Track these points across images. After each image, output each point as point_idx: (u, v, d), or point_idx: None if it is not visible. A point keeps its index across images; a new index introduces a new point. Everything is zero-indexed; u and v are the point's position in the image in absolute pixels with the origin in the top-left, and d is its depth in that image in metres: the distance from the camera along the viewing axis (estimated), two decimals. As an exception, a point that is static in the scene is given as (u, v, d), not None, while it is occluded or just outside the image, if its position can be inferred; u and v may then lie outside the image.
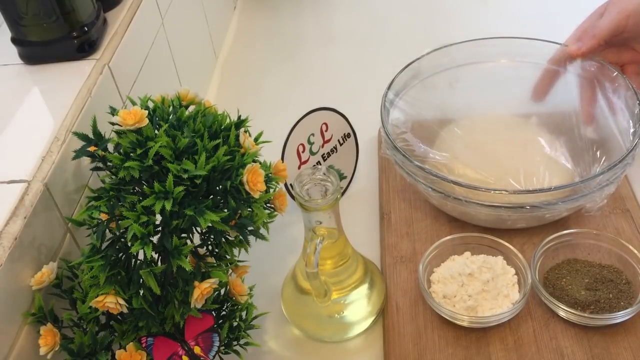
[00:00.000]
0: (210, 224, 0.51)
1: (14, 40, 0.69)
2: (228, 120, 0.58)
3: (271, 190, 0.61)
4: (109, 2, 0.76)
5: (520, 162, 0.75)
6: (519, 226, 0.72)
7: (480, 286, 0.65)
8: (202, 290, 0.51)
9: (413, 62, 0.82)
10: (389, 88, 0.78)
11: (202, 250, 0.56)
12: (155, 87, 0.79)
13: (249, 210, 0.55)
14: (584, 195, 0.67)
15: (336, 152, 0.81)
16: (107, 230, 0.52)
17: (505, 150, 0.77)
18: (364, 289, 0.67)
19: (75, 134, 0.55)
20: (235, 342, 0.59)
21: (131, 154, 0.52)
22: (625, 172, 0.70)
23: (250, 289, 0.61)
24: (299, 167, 0.77)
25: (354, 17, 1.19)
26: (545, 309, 0.65)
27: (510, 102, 0.83)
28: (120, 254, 0.52)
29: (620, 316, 0.62)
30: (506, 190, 0.67)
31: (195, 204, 0.50)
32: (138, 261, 0.52)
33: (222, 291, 0.60)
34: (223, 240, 0.56)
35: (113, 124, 0.52)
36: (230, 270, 0.59)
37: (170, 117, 0.57)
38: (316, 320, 0.67)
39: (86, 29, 0.68)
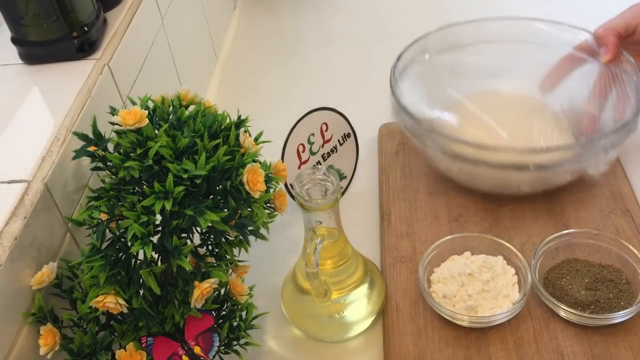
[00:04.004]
0: (210, 224, 0.51)
1: (14, 40, 0.69)
2: (228, 120, 0.58)
3: (271, 190, 0.61)
4: (109, 2, 0.76)
5: (529, 127, 0.76)
6: (523, 191, 0.73)
7: (480, 286, 0.65)
8: (202, 290, 0.51)
9: (420, 38, 0.83)
10: (398, 60, 0.80)
11: (202, 250, 0.56)
12: (155, 87, 0.79)
13: (249, 210, 0.55)
14: (587, 157, 0.68)
15: (336, 152, 0.81)
16: (107, 230, 0.52)
17: (513, 119, 0.78)
18: (364, 289, 0.67)
19: (75, 134, 0.55)
20: (235, 342, 0.59)
21: (131, 154, 0.52)
22: (627, 138, 0.71)
23: (250, 289, 0.61)
24: (299, 167, 0.77)
25: (354, 17, 1.19)
26: (545, 309, 0.65)
27: (520, 83, 0.84)
28: (120, 254, 0.52)
29: (620, 316, 0.62)
30: (513, 149, 0.68)
31: (195, 204, 0.50)
32: (138, 261, 0.52)
33: (222, 291, 0.60)
34: (223, 240, 0.56)
35: (113, 124, 0.52)
36: (230, 270, 0.59)
37: (170, 117, 0.57)
38: (316, 320, 0.67)
39: (86, 29, 0.68)
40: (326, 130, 0.78)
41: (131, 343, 0.53)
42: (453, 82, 0.83)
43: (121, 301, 0.50)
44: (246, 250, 0.58)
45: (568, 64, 0.82)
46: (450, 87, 0.82)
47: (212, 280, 0.52)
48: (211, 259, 0.55)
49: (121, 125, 0.52)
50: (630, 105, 0.73)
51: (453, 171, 0.76)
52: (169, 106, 0.59)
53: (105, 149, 0.55)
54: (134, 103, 0.58)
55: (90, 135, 0.55)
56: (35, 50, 0.68)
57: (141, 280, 0.51)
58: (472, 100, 0.81)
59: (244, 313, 0.60)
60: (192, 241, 0.54)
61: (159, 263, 0.52)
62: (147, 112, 0.53)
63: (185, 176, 0.50)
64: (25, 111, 0.64)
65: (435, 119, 0.78)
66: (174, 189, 0.49)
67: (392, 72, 0.79)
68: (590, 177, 0.72)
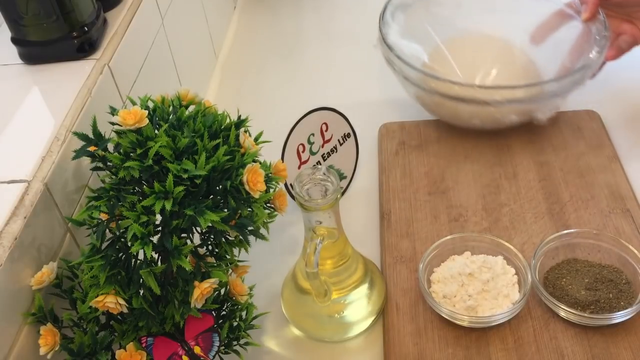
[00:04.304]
0: (210, 224, 0.51)
1: (14, 40, 0.69)
2: (228, 120, 0.58)
3: (271, 190, 0.61)
4: (109, 2, 0.76)
5: (488, 70, 0.81)
6: (475, 124, 0.81)
7: (480, 286, 0.65)
8: (202, 290, 0.51)
9: None
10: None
11: (202, 250, 0.56)
12: (155, 87, 0.79)
13: (249, 210, 0.55)
14: (532, 102, 0.76)
15: (336, 152, 0.81)
16: (107, 230, 0.52)
17: (480, 62, 0.83)
18: (364, 288, 0.67)
19: (75, 133, 0.55)
20: (235, 342, 0.59)
21: (131, 154, 0.52)
22: (573, 90, 0.77)
23: (250, 289, 0.61)
24: (299, 167, 0.77)
25: (354, 17, 1.19)
26: (545, 309, 0.65)
27: (507, 32, 0.87)
28: (120, 254, 0.52)
29: (620, 316, 0.62)
30: (460, 83, 0.75)
31: (195, 204, 0.50)
32: (138, 261, 0.52)
33: (222, 291, 0.60)
34: (223, 240, 0.56)
35: (113, 124, 0.52)
36: (230, 270, 0.59)
37: (170, 117, 0.57)
38: (316, 320, 0.67)
39: (86, 29, 0.68)
40: (326, 130, 0.78)
41: (131, 343, 0.53)
42: (439, 23, 0.88)
43: (121, 301, 0.50)
44: (246, 250, 0.58)
45: (557, 19, 0.86)
46: (430, 27, 0.87)
47: (212, 280, 0.52)
48: (211, 259, 0.55)
49: (121, 125, 0.52)
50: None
51: (422, 100, 0.83)
52: (169, 106, 0.59)
53: (105, 149, 0.54)
54: (134, 103, 0.58)
55: (90, 135, 0.55)
56: (35, 50, 0.68)
57: (141, 280, 0.51)
58: (448, 41, 0.86)
59: (244, 313, 0.60)
60: (192, 241, 0.54)
61: (159, 263, 0.52)
62: (147, 112, 0.52)
63: (185, 176, 0.50)
64: (25, 111, 0.64)
65: (408, 49, 0.84)
66: (174, 189, 0.49)
67: (384, 6, 0.87)
68: (538, 120, 0.78)
